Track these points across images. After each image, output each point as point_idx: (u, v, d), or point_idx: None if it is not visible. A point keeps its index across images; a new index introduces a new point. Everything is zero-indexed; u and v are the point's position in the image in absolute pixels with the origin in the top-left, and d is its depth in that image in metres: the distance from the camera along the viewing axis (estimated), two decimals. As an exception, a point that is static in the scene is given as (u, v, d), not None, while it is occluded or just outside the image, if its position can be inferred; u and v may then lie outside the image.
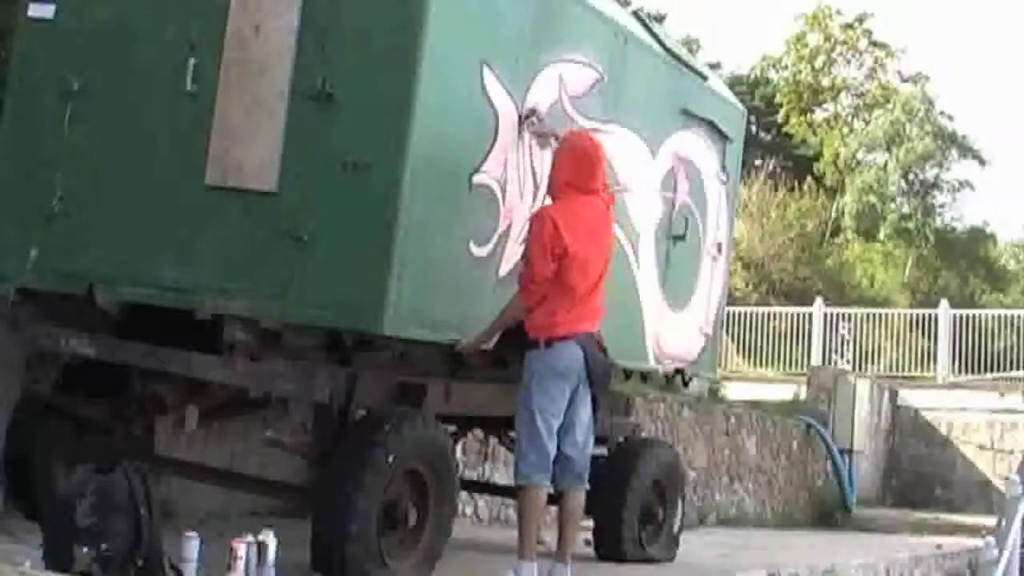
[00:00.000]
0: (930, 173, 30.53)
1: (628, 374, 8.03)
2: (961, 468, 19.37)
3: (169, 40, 5.93)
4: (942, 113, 30.89)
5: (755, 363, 21.91)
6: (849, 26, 33.80)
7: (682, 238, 7.87)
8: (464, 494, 8.78)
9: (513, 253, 6.26)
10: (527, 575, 5.93)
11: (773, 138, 34.47)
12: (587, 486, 6.23)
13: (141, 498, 5.09)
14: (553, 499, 6.22)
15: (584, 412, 6.02)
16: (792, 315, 22.44)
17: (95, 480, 5.11)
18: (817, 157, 31.95)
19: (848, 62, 34.39)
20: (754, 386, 18.59)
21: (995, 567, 9.60)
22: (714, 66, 23.81)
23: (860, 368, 20.56)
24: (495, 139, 6.07)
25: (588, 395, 6.01)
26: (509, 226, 6.23)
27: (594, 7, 6.95)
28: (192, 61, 5.82)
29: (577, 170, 5.92)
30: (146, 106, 5.99)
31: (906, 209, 29.78)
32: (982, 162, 30.95)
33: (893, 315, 22.88)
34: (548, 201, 6.13)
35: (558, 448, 5.91)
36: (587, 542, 8.16)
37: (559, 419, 5.91)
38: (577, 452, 6.02)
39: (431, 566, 6.07)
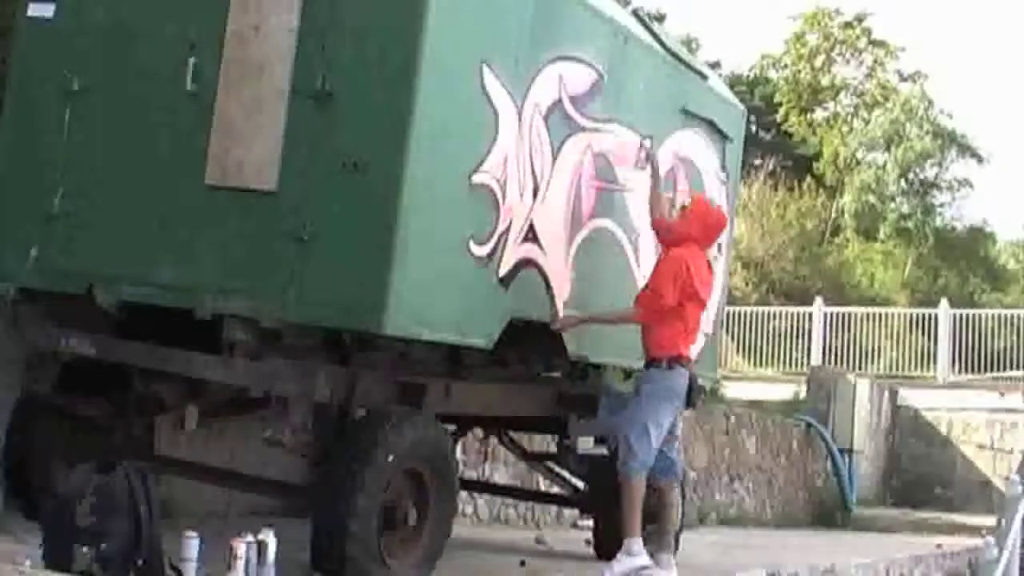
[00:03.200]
0: (929, 172, 30.40)
1: (628, 374, 8.03)
2: (961, 468, 19.36)
3: (169, 40, 5.93)
4: (941, 112, 30.82)
5: (755, 363, 21.89)
6: (848, 25, 33.72)
7: (682, 238, 7.87)
8: (464, 494, 8.78)
9: (513, 253, 6.27)
10: (637, 549, 6.81)
11: (773, 137, 34.33)
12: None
13: (141, 498, 5.08)
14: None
15: (680, 422, 7.29)
16: (792, 315, 22.42)
17: (95, 480, 5.11)
18: (817, 156, 31.84)
19: (847, 61, 34.29)
20: (754, 386, 18.58)
21: (995, 567, 9.61)
22: (714, 65, 23.80)
23: (860, 368, 20.54)
24: (495, 139, 6.07)
25: (683, 409, 7.18)
26: (509, 225, 6.23)
27: (594, 7, 6.95)
28: (192, 61, 5.83)
29: (705, 232, 7.08)
30: (146, 106, 5.99)
31: (906, 208, 29.66)
32: (981, 161, 30.88)
33: (893, 315, 22.83)
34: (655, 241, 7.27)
35: (661, 451, 6.93)
36: (587, 542, 8.17)
37: (666, 431, 6.92)
38: (676, 456, 7.21)
39: (431, 566, 6.08)
